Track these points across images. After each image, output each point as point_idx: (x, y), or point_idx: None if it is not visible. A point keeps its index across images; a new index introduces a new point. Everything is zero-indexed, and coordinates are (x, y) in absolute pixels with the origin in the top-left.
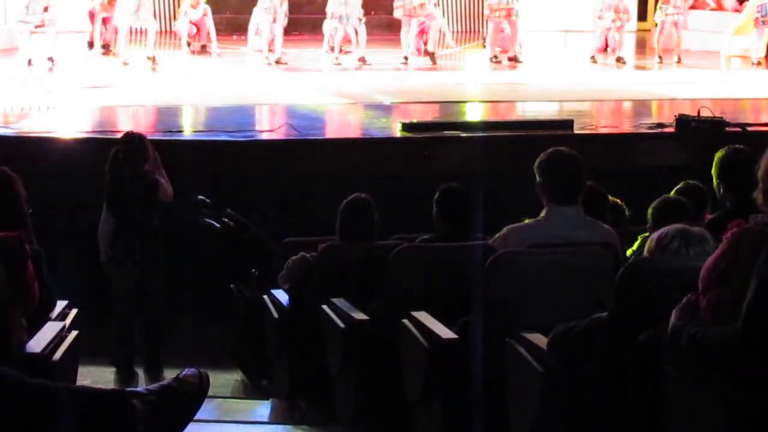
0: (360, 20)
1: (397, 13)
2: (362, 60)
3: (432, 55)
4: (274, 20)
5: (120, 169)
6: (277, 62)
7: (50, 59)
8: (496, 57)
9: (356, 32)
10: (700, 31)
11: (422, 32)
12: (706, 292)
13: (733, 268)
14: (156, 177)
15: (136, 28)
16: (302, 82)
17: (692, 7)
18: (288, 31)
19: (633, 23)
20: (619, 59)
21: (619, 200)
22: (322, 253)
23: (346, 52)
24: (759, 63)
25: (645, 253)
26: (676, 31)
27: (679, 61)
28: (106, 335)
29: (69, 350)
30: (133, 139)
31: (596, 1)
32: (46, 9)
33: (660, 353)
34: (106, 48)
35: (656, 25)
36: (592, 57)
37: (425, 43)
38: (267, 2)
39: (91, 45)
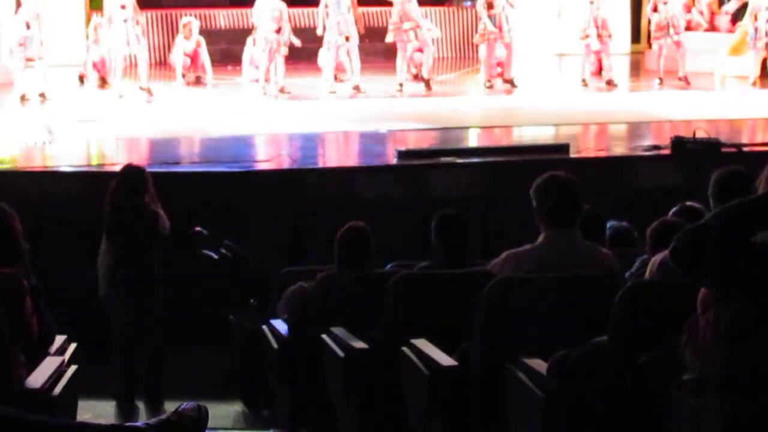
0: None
1: (389, 37)
2: (357, 88)
3: (427, 82)
4: (271, 50)
5: (119, 201)
6: (281, 91)
7: (41, 95)
8: (490, 81)
9: (350, 59)
10: (694, 52)
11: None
12: (705, 312)
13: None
14: (155, 209)
15: (129, 60)
16: (298, 111)
17: (686, 29)
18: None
19: (626, 45)
20: (609, 82)
21: (626, 223)
22: (321, 283)
23: (341, 81)
24: (754, 83)
25: (647, 276)
26: (679, 50)
27: (687, 82)
28: (106, 369)
29: (69, 385)
30: (132, 171)
31: (580, 22)
32: (40, 44)
33: (661, 376)
34: (102, 81)
35: (651, 47)
36: (583, 80)
37: (417, 68)
38: (266, 33)
39: (81, 79)
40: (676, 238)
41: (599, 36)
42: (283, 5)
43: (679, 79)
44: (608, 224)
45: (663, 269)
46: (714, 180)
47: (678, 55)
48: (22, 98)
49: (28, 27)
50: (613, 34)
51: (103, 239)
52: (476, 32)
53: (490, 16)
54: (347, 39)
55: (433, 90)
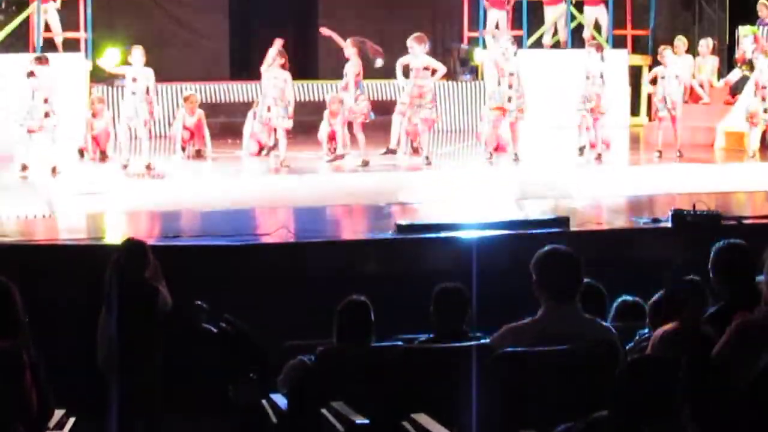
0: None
1: (430, 114)
2: (365, 163)
3: (427, 158)
4: (272, 127)
5: (119, 275)
6: (282, 164)
7: (53, 169)
8: (491, 155)
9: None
10: (694, 124)
11: (415, 133)
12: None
13: (737, 358)
14: (156, 285)
15: (131, 133)
16: (298, 185)
17: (685, 101)
18: None
19: (626, 118)
20: (597, 157)
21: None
22: (320, 357)
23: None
24: (753, 155)
25: (649, 349)
26: (673, 126)
27: (680, 156)
28: None
29: None
30: (133, 245)
31: (577, 96)
32: (47, 115)
33: None
34: (102, 154)
35: (651, 120)
36: (581, 149)
37: (413, 141)
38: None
39: (81, 152)
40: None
41: (591, 110)
42: (288, 75)
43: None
44: (619, 299)
45: (664, 343)
46: (715, 253)
47: (674, 131)
48: (23, 168)
49: (33, 97)
50: (606, 110)
51: (103, 312)
52: (483, 104)
53: (520, 97)
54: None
55: (432, 164)
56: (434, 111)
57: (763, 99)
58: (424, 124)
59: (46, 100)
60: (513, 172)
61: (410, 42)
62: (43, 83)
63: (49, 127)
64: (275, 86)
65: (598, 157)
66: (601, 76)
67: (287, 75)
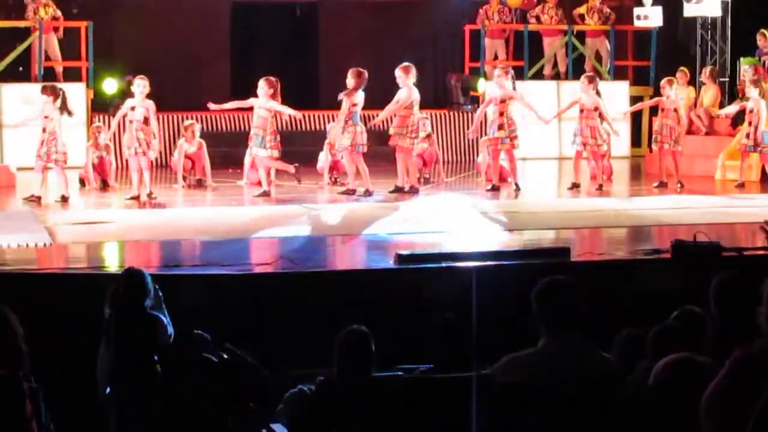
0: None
1: (402, 142)
2: (368, 192)
3: (427, 180)
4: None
5: (120, 305)
6: (265, 194)
7: (64, 197)
8: (493, 186)
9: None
10: (695, 155)
11: (420, 162)
12: (708, 417)
13: (737, 392)
14: (156, 314)
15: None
16: (298, 215)
17: (687, 132)
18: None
19: (626, 149)
20: (599, 187)
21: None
22: (320, 387)
23: (343, 184)
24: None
25: (650, 381)
26: (673, 159)
27: (682, 187)
28: None
29: None
30: (133, 275)
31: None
32: (55, 147)
33: None
34: (104, 183)
35: (651, 151)
36: (573, 185)
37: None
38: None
39: (82, 181)
40: None
41: (584, 144)
42: (273, 104)
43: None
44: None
45: (666, 374)
46: (715, 284)
47: (673, 162)
48: (39, 200)
49: (44, 130)
50: (602, 142)
51: (103, 342)
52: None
53: (500, 125)
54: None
55: (432, 193)
56: (413, 141)
57: (752, 126)
58: (400, 152)
59: (54, 132)
60: (513, 203)
61: (397, 72)
62: (51, 114)
63: (58, 159)
64: (258, 116)
65: (599, 188)
66: (595, 109)
67: (272, 104)
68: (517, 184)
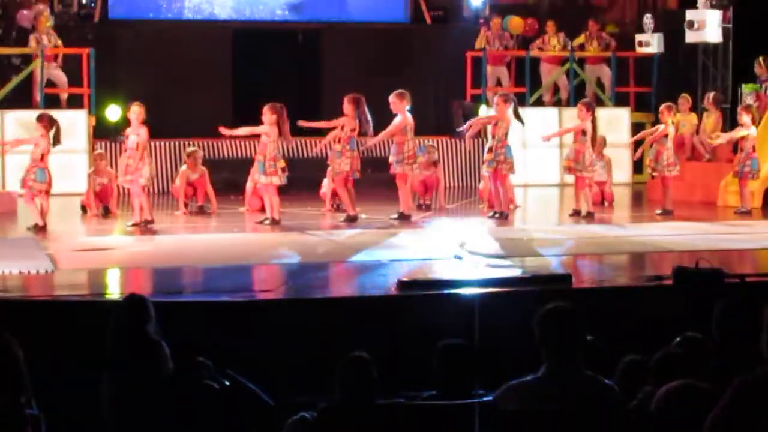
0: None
1: (401, 168)
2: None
3: (428, 206)
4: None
5: (122, 331)
6: (273, 221)
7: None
8: (494, 213)
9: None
10: (696, 181)
11: (423, 188)
12: None
13: (738, 419)
14: (158, 340)
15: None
16: (300, 241)
17: (689, 159)
18: (284, 189)
19: (627, 175)
20: (587, 215)
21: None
22: (322, 413)
23: (345, 210)
24: (750, 212)
25: (652, 408)
26: (662, 184)
27: (665, 213)
28: None
29: None
30: (134, 300)
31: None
32: (34, 175)
33: None
34: (105, 210)
35: (653, 177)
36: (573, 212)
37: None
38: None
39: (84, 208)
40: None
41: (569, 169)
42: (268, 130)
43: (664, 210)
44: (622, 357)
45: (668, 401)
46: (717, 311)
47: (665, 190)
48: (36, 227)
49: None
50: (591, 169)
51: (105, 368)
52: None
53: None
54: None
55: (434, 220)
56: (411, 167)
57: (742, 152)
58: (400, 180)
59: (42, 157)
60: (514, 229)
61: (392, 98)
62: (40, 143)
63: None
64: (261, 142)
65: (588, 215)
66: (584, 134)
67: (267, 129)
68: (500, 213)
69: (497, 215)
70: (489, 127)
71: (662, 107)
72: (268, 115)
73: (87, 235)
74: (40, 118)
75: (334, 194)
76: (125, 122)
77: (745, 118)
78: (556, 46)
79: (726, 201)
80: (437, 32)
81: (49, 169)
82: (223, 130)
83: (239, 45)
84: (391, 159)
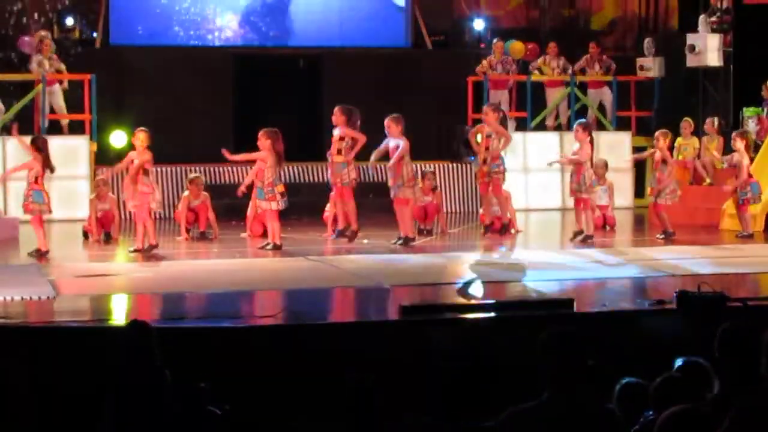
0: None
1: (402, 193)
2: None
3: (429, 232)
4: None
5: (125, 358)
6: (275, 246)
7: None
8: (486, 228)
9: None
10: (698, 205)
11: (423, 214)
12: None
13: None
14: (161, 365)
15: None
16: (301, 267)
17: (690, 183)
18: (286, 214)
19: (629, 200)
20: (584, 239)
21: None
22: None
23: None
24: (752, 236)
25: None
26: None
27: (671, 236)
28: None
29: None
30: (138, 327)
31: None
32: (47, 197)
33: None
34: (107, 236)
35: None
36: (575, 233)
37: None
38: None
39: (86, 234)
40: None
41: (572, 191)
42: (264, 155)
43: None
44: (623, 381)
45: (669, 426)
46: (720, 335)
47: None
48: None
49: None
50: (588, 192)
51: (109, 394)
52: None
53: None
54: None
55: (436, 244)
56: (412, 190)
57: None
58: (399, 204)
59: (37, 180)
60: (516, 253)
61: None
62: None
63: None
64: (258, 167)
65: (584, 239)
66: (574, 154)
67: (263, 155)
68: (509, 225)
69: (488, 230)
70: (479, 137)
71: (657, 133)
72: (263, 140)
73: (89, 260)
74: (32, 142)
75: (335, 220)
76: (131, 148)
77: (738, 144)
78: (555, 69)
79: (728, 225)
80: (438, 57)
81: (46, 191)
82: (226, 153)
83: (240, 70)
84: (390, 184)
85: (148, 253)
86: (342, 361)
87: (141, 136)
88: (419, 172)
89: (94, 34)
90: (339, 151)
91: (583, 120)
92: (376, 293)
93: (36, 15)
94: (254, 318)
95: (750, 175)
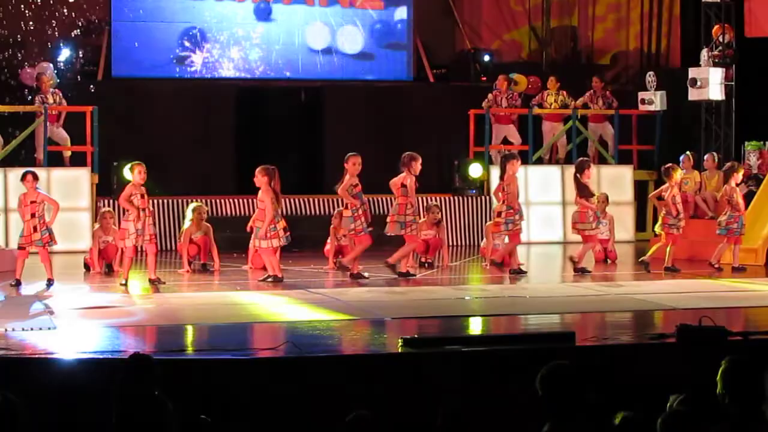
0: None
1: (399, 231)
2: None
3: (430, 265)
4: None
5: (128, 391)
6: (276, 279)
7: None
8: (488, 264)
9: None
10: (699, 239)
11: (425, 247)
12: None
13: None
14: (163, 398)
15: (138, 248)
16: (303, 299)
17: (692, 216)
18: (287, 247)
19: (631, 233)
20: (581, 270)
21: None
22: None
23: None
24: (745, 269)
25: None
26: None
27: (671, 273)
28: None
29: None
30: (140, 359)
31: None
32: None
33: None
34: (109, 268)
35: (656, 235)
36: (570, 257)
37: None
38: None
39: (87, 266)
40: None
41: (575, 229)
42: (261, 196)
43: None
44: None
45: None
46: (722, 369)
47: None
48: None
49: (33, 215)
50: (584, 226)
51: (111, 427)
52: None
53: (498, 212)
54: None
55: (436, 277)
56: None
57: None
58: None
59: (33, 215)
60: (517, 287)
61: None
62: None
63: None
64: (258, 207)
65: (581, 271)
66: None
67: (262, 196)
68: (514, 269)
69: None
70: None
71: (668, 167)
72: (260, 177)
73: (90, 292)
74: (29, 174)
75: (337, 253)
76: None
77: (732, 181)
78: (553, 104)
79: (729, 259)
80: (439, 90)
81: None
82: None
83: (242, 103)
84: (391, 219)
85: (155, 286)
86: (343, 394)
87: (135, 170)
88: (423, 205)
89: (95, 63)
90: (346, 206)
91: (584, 159)
92: (378, 326)
93: (36, 48)
94: (255, 350)
95: (739, 209)
